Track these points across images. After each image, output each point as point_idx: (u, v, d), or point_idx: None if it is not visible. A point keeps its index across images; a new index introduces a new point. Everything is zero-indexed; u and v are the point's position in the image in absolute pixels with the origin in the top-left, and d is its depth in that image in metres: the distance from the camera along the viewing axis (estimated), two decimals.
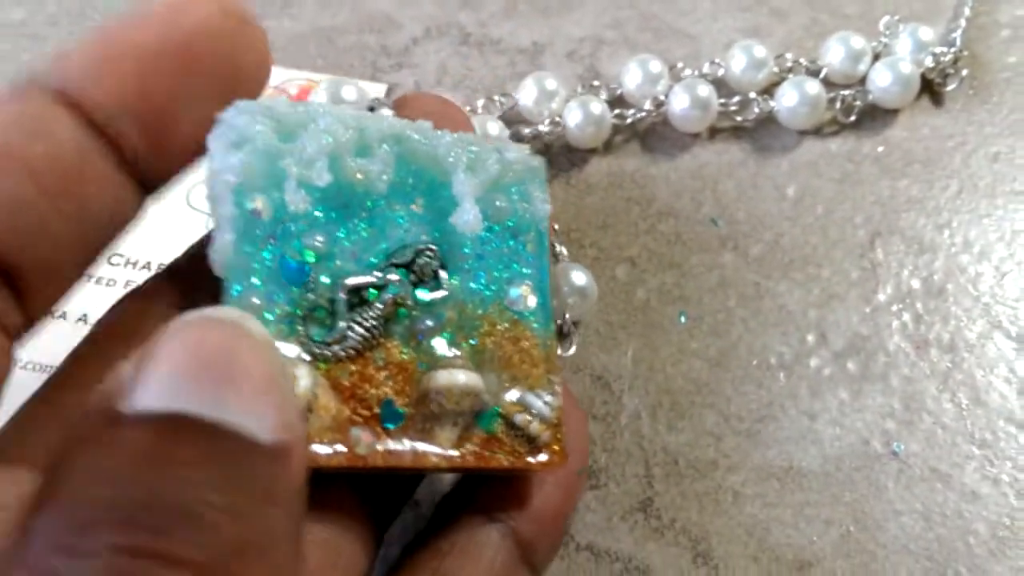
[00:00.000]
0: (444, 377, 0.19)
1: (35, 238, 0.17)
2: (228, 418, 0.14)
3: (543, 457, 0.20)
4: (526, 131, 0.31)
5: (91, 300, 0.27)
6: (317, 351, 0.19)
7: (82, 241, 0.18)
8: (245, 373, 0.15)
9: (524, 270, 0.20)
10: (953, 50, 0.32)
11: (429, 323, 0.19)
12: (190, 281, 0.20)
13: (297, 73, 0.33)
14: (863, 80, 0.32)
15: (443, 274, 0.20)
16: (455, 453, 0.19)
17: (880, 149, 0.31)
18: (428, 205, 0.20)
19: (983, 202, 0.30)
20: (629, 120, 0.31)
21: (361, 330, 0.19)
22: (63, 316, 0.28)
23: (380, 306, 0.19)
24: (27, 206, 0.17)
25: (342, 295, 0.19)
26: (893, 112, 0.32)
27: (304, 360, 0.18)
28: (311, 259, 0.19)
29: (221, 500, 0.13)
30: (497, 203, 0.20)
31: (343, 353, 0.19)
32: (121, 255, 0.29)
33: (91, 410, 0.14)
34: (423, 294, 0.20)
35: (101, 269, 0.29)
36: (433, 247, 0.20)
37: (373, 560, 0.21)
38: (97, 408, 0.14)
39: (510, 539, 0.21)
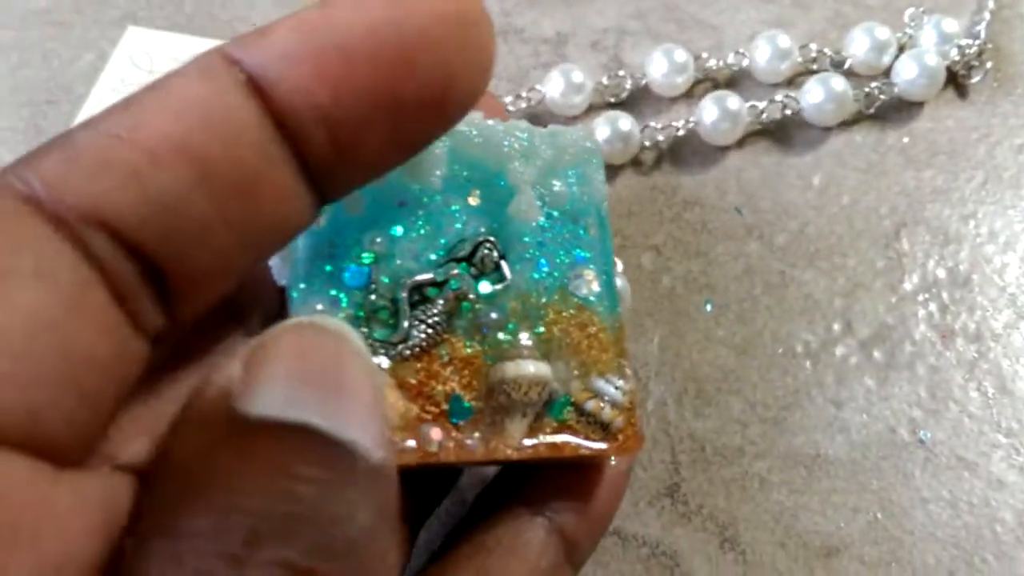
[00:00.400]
0: (511, 368, 0.19)
1: (193, 244, 0.15)
2: (345, 433, 0.14)
3: (617, 443, 0.19)
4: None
5: None
6: (382, 351, 0.18)
7: (244, 250, 0.16)
8: (354, 387, 0.14)
9: (586, 254, 0.20)
10: (978, 42, 0.33)
11: (493, 315, 0.19)
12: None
13: None
14: (887, 71, 0.32)
15: (504, 265, 0.20)
16: (527, 444, 0.19)
17: (905, 140, 0.31)
18: (484, 196, 0.20)
19: (1008, 193, 0.30)
20: (660, 137, 0.31)
21: (424, 327, 0.19)
22: None
23: (442, 302, 0.19)
24: (191, 209, 0.14)
25: (403, 294, 0.19)
26: (918, 104, 0.32)
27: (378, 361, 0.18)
28: (370, 261, 0.19)
29: (365, 519, 0.13)
30: (555, 188, 0.20)
31: (408, 352, 0.18)
32: None
33: (208, 409, 0.14)
34: (485, 287, 0.19)
35: None
36: (492, 239, 0.19)
37: (409, 557, 0.21)
38: (216, 408, 0.14)
39: (556, 536, 0.20)
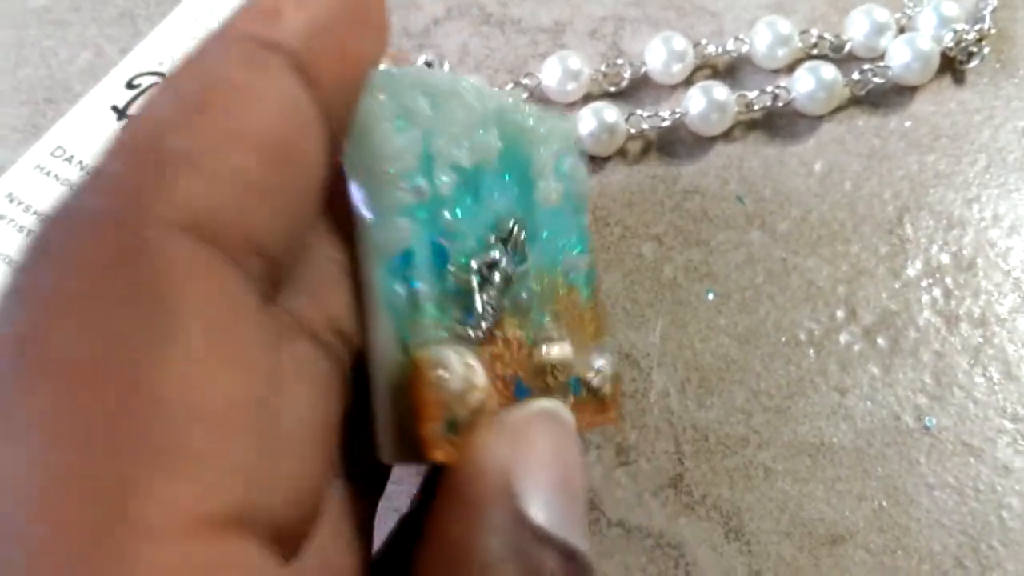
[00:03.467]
0: (556, 351, 0.18)
1: (298, 246, 0.15)
2: (586, 551, 0.15)
3: (608, 413, 0.20)
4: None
5: (29, 186, 0.29)
6: (471, 335, 0.17)
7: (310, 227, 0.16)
8: (583, 495, 0.16)
9: (582, 240, 0.20)
10: (978, 27, 0.32)
11: (524, 296, 0.19)
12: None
13: None
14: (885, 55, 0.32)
15: (526, 247, 0.19)
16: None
17: (907, 124, 0.31)
18: (513, 176, 0.19)
19: (1012, 176, 0.30)
20: (645, 126, 0.30)
21: (491, 309, 0.18)
22: (8, 197, 0.29)
23: (499, 281, 0.18)
24: (296, 209, 0.14)
25: (475, 275, 0.18)
26: (915, 88, 0.32)
27: (465, 348, 0.17)
28: (448, 239, 0.18)
29: None
30: (563, 173, 0.20)
31: (482, 334, 0.18)
32: (64, 149, 0.30)
33: (490, 501, 0.15)
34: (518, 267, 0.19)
35: (46, 159, 0.30)
36: (522, 219, 0.19)
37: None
38: (500, 503, 0.15)
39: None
